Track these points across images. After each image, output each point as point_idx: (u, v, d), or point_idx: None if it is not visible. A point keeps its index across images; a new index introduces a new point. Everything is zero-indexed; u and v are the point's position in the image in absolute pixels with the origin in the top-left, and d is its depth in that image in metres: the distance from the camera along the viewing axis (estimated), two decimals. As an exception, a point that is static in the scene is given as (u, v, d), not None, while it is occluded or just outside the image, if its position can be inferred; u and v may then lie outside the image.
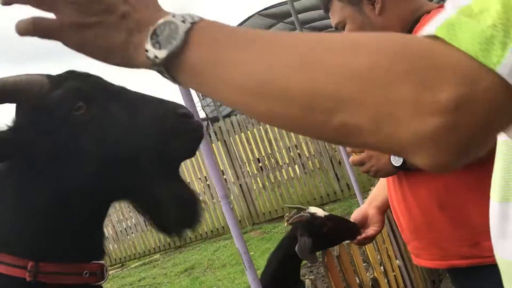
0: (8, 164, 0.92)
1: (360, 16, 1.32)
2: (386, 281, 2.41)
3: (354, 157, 1.31)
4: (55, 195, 0.91)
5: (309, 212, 1.53)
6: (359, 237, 1.51)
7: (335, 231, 1.53)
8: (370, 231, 1.52)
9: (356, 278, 1.98)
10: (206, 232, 8.84)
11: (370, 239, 1.54)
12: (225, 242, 7.80)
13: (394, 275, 2.61)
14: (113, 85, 0.97)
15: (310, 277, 1.58)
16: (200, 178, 8.73)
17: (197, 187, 8.52)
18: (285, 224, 1.60)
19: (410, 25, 1.28)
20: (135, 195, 0.98)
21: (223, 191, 1.38)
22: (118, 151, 0.90)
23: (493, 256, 1.23)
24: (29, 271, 0.86)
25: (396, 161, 1.21)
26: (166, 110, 0.93)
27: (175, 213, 0.95)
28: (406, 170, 1.23)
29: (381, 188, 1.62)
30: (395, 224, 2.86)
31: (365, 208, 1.59)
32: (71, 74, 0.96)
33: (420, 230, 1.30)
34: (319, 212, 1.53)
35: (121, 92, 0.96)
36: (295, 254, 1.49)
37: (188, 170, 8.55)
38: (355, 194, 7.44)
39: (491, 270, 1.04)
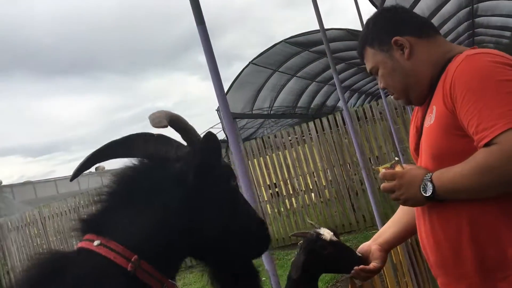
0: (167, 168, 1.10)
1: (390, 61, 1.39)
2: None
3: (385, 184, 1.31)
4: (187, 216, 1.08)
5: (315, 231, 1.58)
6: (356, 268, 1.52)
7: (335, 257, 1.56)
8: (370, 265, 1.54)
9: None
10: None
11: (368, 273, 1.55)
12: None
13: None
14: None
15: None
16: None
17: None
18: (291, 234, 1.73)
19: (442, 66, 1.32)
20: (213, 259, 1.23)
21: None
22: (231, 222, 1.14)
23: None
24: (132, 262, 0.97)
25: (426, 191, 1.22)
26: (259, 216, 1.26)
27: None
28: (435, 201, 1.24)
29: (390, 226, 1.64)
30: (415, 258, 2.85)
31: (369, 243, 1.62)
32: None
33: (448, 264, 1.30)
34: (326, 235, 1.56)
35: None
36: (314, 263, 1.57)
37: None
38: (371, 227, 7.41)
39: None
